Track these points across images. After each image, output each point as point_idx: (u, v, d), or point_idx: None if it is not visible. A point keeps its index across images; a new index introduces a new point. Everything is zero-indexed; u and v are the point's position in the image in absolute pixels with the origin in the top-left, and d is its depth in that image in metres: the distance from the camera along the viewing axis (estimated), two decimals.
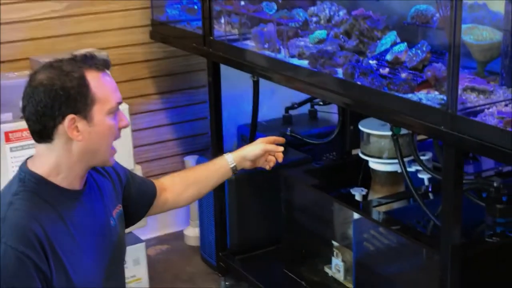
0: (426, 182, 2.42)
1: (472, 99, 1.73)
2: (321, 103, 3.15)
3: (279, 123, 3.19)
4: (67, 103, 1.53)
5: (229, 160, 1.89)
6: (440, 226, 2.10)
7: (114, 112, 1.59)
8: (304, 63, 2.19)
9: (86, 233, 1.62)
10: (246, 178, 2.79)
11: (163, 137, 3.18)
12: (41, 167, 1.58)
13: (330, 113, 3.20)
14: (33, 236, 1.50)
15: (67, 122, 1.54)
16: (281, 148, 1.95)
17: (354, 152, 2.82)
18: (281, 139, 1.98)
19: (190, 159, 3.19)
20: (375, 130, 2.43)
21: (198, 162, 2.99)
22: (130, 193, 1.78)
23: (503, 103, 1.70)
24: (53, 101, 1.52)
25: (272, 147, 1.92)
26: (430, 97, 1.81)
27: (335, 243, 2.53)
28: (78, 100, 1.53)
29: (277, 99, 3.11)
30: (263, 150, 1.91)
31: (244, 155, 1.91)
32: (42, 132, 1.56)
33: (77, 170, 1.60)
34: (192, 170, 1.94)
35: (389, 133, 2.37)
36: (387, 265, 2.29)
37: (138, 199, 1.81)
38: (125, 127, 1.62)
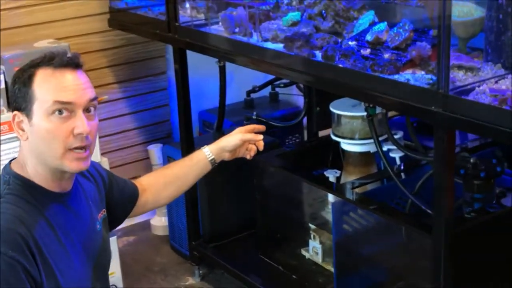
0: (398, 161, 2.40)
1: (460, 77, 1.69)
2: (281, 85, 3.09)
3: (241, 107, 3.13)
4: (13, 98, 1.47)
5: (207, 153, 1.83)
6: (417, 204, 2.11)
7: (53, 112, 1.44)
8: (279, 46, 2.10)
9: (73, 237, 1.53)
10: (217, 165, 2.70)
11: (124, 127, 3.07)
12: (20, 168, 1.50)
13: (293, 95, 3.14)
14: (21, 241, 1.41)
15: (12, 118, 1.48)
16: (261, 136, 1.89)
17: (320, 133, 2.82)
18: (261, 127, 1.92)
19: (153, 148, 3.09)
20: (347, 112, 2.39)
21: (163, 152, 2.90)
22: (112, 196, 1.71)
23: (493, 80, 1.66)
24: (11, 96, 1.48)
25: (251, 136, 1.86)
26: (417, 77, 1.76)
27: (311, 226, 2.49)
28: (19, 96, 1.46)
29: (237, 83, 3.03)
30: (241, 140, 1.85)
31: (222, 147, 1.85)
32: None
33: (45, 172, 1.49)
34: (170, 168, 1.86)
35: (361, 113, 2.33)
36: (368, 246, 2.26)
37: (121, 202, 1.74)
38: (80, 134, 1.46)
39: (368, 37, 1.91)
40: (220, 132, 2.83)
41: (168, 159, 2.84)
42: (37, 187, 1.48)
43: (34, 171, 1.49)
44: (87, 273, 1.55)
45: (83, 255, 1.55)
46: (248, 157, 1.89)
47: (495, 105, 1.56)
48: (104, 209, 1.64)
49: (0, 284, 1.37)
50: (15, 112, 1.47)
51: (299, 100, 3.35)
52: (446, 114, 1.66)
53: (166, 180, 1.81)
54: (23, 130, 1.47)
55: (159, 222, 3.10)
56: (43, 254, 1.44)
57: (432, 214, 2.02)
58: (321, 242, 2.46)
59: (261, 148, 1.90)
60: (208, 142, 2.72)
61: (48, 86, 1.44)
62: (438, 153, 1.74)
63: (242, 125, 2.83)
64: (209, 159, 1.83)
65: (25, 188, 1.47)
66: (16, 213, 1.43)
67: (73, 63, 1.47)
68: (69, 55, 1.48)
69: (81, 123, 1.45)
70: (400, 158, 2.39)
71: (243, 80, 3.17)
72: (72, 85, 1.45)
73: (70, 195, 1.53)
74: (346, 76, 1.88)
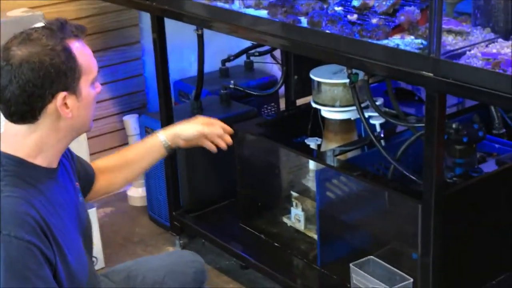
0: (378, 128, 2.38)
1: (450, 41, 1.66)
2: (256, 54, 3.05)
3: (217, 76, 3.09)
4: (58, 80, 1.37)
5: (162, 140, 1.78)
6: (400, 170, 2.10)
7: (95, 80, 1.48)
8: (263, 13, 2.04)
9: (68, 211, 1.49)
10: (173, 151, 2.65)
11: (99, 97, 2.95)
12: (20, 149, 1.43)
13: (269, 63, 3.10)
14: (34, 223, 1.36)
15: (59, 101, 1.39)
16: (219, 131, 1.83)
17: (297, 102, 2.79)
18: (229, 130, 1.85)
19: (129, 118, 3.03)
20: (328, 79, 2.35)
21: (140, 122, 2.84)
22: (79, 172, 1.66)
23: (483, 44, 1.63)
24: (43, 79, 1.36)
25: (209, 131, 1.81)
26: (407, 42, 1.73)
27: (294, 193, 2.47)
28: (68, 76, 1.39)
29: (211, 52, 2.97)
30: (199, 133, 1.80)
31: (177, 134, 1.80)
32: (27, 113, 1.40)
33: (61, 147, 1.48)
34: (125, 152, 1.81)
35: (342, 81, 2.31)
36: (351, 212, 2.25)
37: (84, 179, 1.69)
38: (99, 93, 1.50)
39: (355, 3, 1.86)
40: (198, 101, 2.78)
41: (145, 129, 2.78)
42: (31, 165, 1.42)
43: (38, 150, 1.42)
44: (82, 247, 1.52)
45: (77, 228, 1.51)
46: (212, 150, 1.84)
47: (488, 69, 1.52)
48: (77, 182, 1.60)
49: (22, 271, 1.30)
50: (63, 93, 1.38)
51: (274, 69, 3.32)
52: (438, 79, 1.63)
53: (121, 164, 1.77)
54: (67, 108, 1.41)
55: (136, 193, 3.04)
56: (53, 233, 1.39)
57: (417, 180, 2.03)
58: (303, 209, 2.43)
59: (229, 143, 1.85)
60: (186, 112, 2.78)
61: (86, 58, 1.43)
62: (430, 118, 1.71)
63: (219, 94, 2.88)
64: (164, 145, 1.78)
65: (21, 167, 1.41)
66: (21, 195, 1.36)
67: (85, 31, 1.44)
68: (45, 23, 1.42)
69: (99, 83, 1.50)
70: (380, 125, 2.38)
71: (217, 49, 3.11)
72: (91, 53, 1.46)
73: (57, 170, 1.49)
74: (334, 42, 1.84)
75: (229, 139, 1.85)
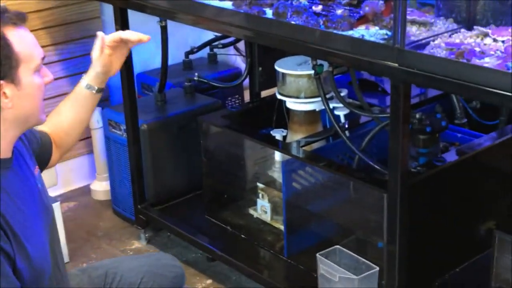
0: (343, 119, 2.40)
1: (414, 31, 1.68)
2: (220, 46, 3.04)
3: (180, 68, 3.08)
4: None
5: (83, 84, 1.70)
6: (365, 160, 2.12)
7: (39, 69, 1.41)
8: (228, 4, 2.03)
9: (27, 201, 1.45)
10: (160, 126, 2.67)
11: (61, 90, 2.93)
12: None
13: (234, 55, 3.09)
14: None
15: None
16: (115, 37, 1.68)
17: (262, 94, 2.79)
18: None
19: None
20: (293, 70, 2.36)
21: (103, 115, 2.81)
22: (38, 150, 1.62)
23: (446, 34, 1.65)
24: None
25: (110, 40, 1.68)
26: (371, 33, 1.73)
27: (260, 185, 2.47)
28: (2, 64, 1.34)
29: (173, 44, 2.95)
30: (107, 56, 1.68)
31: (94, 70, 1.70)
32: None
33: (10, 138, 1.43)
34: (63, 115, 1.73)
35: (307, 72, 2.32)
36: (317, 203, 2.26)
37: (42, 153, 1.64)
38: (50, 82, 1.44)
39: None
40: (162, 93, 2.76)
41: (108, 122, 2.76)
42: None
43: None
44: (45, 236, 1.47)
45: (39, 218, 1.47)
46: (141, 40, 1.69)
47: (452, 59, 1.54)
48: (37, 166, 1.56)
49: None
50: (0, 82, 1.34)
51: (238, 61, 3.31)
52: (403, 69, 1.64)
53: (66, 130, 1.71)
54: (6, 98, 1.36)
55: (100, 187, 3.01)
56: (12, 227, 1.36)
57: (382, 170, 2.05)
58: (269, 201, 2.44)
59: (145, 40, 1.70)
60: (150, 104, 2.76)
61: (26, 46, 1.37)
62: (395, 108, 1.73)
63: (183, 86, 2.87)
64: (94, 91, 1.70)
65: None
66: None
67: (24, 18, 1.39)
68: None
69: (49, 72, 1.44)
70: (345, 116, 2.40)
71: (180, 41, 3.10)
72: (35, 40, 1.41)
73: (11, 159, 1.44)
74: (299, 33, 1.84)
75: (145, 38, 1.70)
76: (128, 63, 2.51)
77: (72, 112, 1.71)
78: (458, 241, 2.08)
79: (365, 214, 2.09)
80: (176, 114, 2.71)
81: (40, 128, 1.67)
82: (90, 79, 1.70)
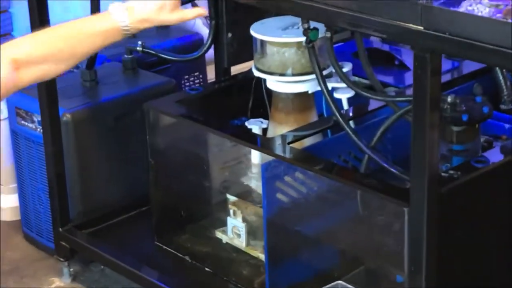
0: (346, 105, 2.42)
1: None
2: None
3: None
4: None
5: (120, 19, 1.83)
6: (377, 162, 2.13)
7: None
8: None
9: None
10: (89, 117, 2.68)
11: None
12: None
13: None
14: None
15: None
16: None
17: (233, 69, 2.81)
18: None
19: None
20: (275, 36, 2.37)
21: (9, 102, 2.81)
22: None
23: None
24: None
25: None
26: None
27: (230, 198, 2.48)
28: None
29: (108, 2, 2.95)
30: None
31: (145, 19, 1.86)
32: None
33: None
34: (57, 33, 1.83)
35: (296, 39, 2.33)
36: (311, 221, 2.26)
37: None
38: None
39: None
40: (92, 70, 2.77)
41: (16, 111, 2.76)
42: None
43: None
44: None
45: None
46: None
47: (499, 19, 1.56)
48: None
49: None
50: None
51: (198, 25, 3.32)
52: (430, 33, 1.66)
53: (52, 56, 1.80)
54: None
55: (5, 203, 3.04)
56: None
57: (401, 175, 2.06)
58: (244, 220, 2.45)
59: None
60: (75, 85, 2.76)
61: None
62: (419, 88, 1.74)
63: (121, 60, 2.87)
64: (124, 30, 1.83)
65: None
66: None
67: None
68: None
69: None
70: (349, 100, 2.41)
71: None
72: None
73: None
74: None
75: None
76: (44, 25, 2.51)
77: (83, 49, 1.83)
78: (505, 266, 2.10)
79: (378, 237, 2.10)
80: (111, 100, 2.72)
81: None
82: (134, 21, 1.83)
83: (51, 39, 1.82)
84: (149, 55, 2.82)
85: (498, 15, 1.58)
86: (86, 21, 1.86)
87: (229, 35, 2.66)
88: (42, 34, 1.82)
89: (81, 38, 1.83)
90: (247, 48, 2.51)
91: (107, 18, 1.83)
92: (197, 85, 3.04)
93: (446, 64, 2.53)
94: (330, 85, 2.31)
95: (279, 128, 2.43)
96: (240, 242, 2.47)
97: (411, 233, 1.88)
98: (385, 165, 2.12)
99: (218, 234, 2.52)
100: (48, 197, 2.68)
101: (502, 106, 2.38)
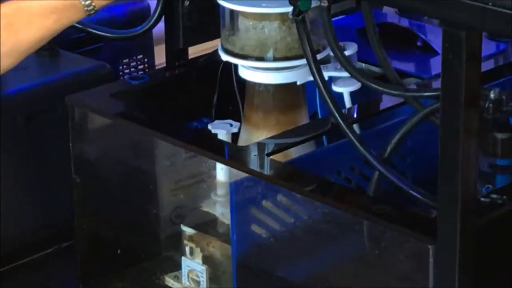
0: (348, 102, 2.43)
1: None
2: None
3: None
4: None
5: None
6: (393, 181, 2.14)
7: None
8: None
9: None
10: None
11: None
12: None
13: None
14: None
15: None
16: None
17: (192, 51, 2.81)
18: None
19: None
20: (251, 6, 2.39)
21: None
22: None
23: None
24: None
25: None
26: None
27: (186, 230, 2.50)
28: None
29: None
30: None
31: None
32: None
33: None
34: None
35: (280, 10, 2.36)
36: (299, 262, 2.27)
37: None
38: None
39: None
40: None
41: None
42: None
43: None
44: None
45: None
46: None
47: None
48: None
49: None
50: None
51: None
52: (467, 2, 1.67)
53: None
54: None
55: None
56: None
57: (425, 199, 2.07)
58: (205, 261, 2.47)
59: None
60: None
61: None
62: (450, 79, 1.75)
63: None
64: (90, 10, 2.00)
65: None
66: None
67: None
68: None
69: None
70: (352, 95, 2.42)
71: None
72: None
73: None
74: None
75: None
76: None
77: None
78: None
79: (391, 283, 2.11)
80: (20, 92, 2.74)
81: None
82: None
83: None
84: (73, 30, 2.81)
85: None
86: None
87: (186, 2, 2.68)
88: None
89: (25, 20, 1.92)
90: (211, 21, 2.54)
91: None
92: (141, 72, 3.06)
93: (488, 47, 2.55)
94: (326, 74, 2.34)
95: (255, 134, 2.47)
96: None
97: (437, 279, 1.89)
98: (403, 185, 2.13)
99: (169, 281, 2.53)
100: None
101: None
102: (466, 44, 1.73)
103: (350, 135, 2.18)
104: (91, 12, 1.99)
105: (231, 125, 2.49)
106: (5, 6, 1.95)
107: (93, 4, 1.97)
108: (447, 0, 1.70)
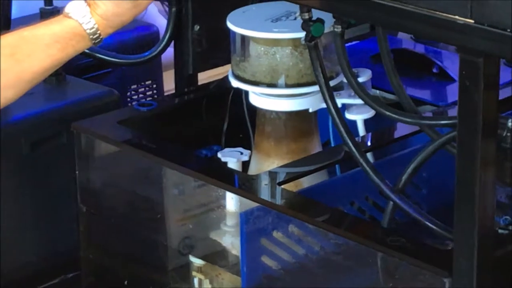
0: (362, 130, 2.42)
1: None
2: None
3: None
4: None
5: (84, 21, 1.97)
6: (408, 212, 2.13)
7: None
8: None
9: None
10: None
11: None
12: None
13: None
14: None
15: None
16: None
17: (202, 77, 2.82)
18: None
19: None
20: (262, 31, 2.40)
21: None
22: None
23: None
24: None
25: None
26: None
27: (195, 261, 2.49)
28: None
29: None
30: None
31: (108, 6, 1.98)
32: None
33: None
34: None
35: (292, 35, 2.36)
36: None
37: None
38: None
39: None
40: None
41: None
42: None
43: None
44: None
45: None
46: None
47: None
48: None
49: None
50: None
51: (153, 13, 3.33)
52: (483, 29, 1.67)
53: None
54: None
55: None
56: None
57: (441, 230, 2.06)
58: None
59: None
60: None
61: None
62: (467, 107, 1.75)
63: None
64: (88, 30, 1.97)
65: None
66: None
67: None
68: None
69: None
70: (366, 123, 2.42)
71: None
72: None
73: None
74: None
75: None
76: None
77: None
78: None
79: None
80: (26, 118, 2.74)
81: None
82: (99, 18, 1.96)
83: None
84: (80, 56, 2.81)
85: None
86: (34, 28, 1.94)
87: (196, 28, 2.69)
88: None
89: (28, 50, 1.92)
90: (221, 47, 2.54)
91: (64, 20, 1.93)
92: (149, 98, 3.05)
93: (505, 74, 2.55)
94: (340, 101, 2.35)
95: (266, 162, 2.46)
96: None
97: None
98: (418, 216, 2.12)
99: None
100: None
101: None
102: (484, 71, 1.72)
103: (364, 164, 2.18)
104: (97, 41, 2.00)
105: (242, 153, 2.47)
106: (8, 35, 1.96)
107: (99, 32, 1.98)
108: (464, 26, 1.70)
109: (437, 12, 1.72)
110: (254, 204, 2.25)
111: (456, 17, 1.69)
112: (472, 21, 1.68)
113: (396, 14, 1.78)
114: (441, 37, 1.89)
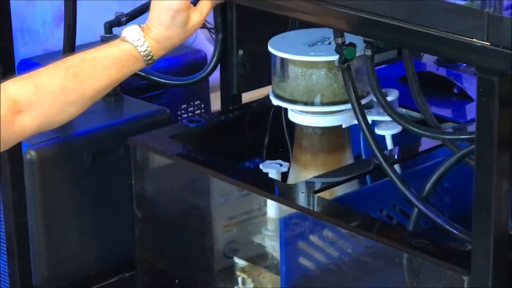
0: (390, 144, 2.43)
1: None
2: None
3: None
4: None
5: (139, 44, 2.00)
6: (431, 218, 2.13)
7: None
8: None
9: None
10: (59, 154, 2.71)
11: None
12: None
13: None
14: None
15: None
16: None
17: (245, 97, 2.83)
18: None
19: None
20: (299, 55, 2.40)
21: None
22: None
23: None
24: None
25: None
26: None
27: (239, 262, 2.49)
28: None
29: (85, 9, 3.00)
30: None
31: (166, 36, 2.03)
32: None
33: None
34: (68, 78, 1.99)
35: (327, 58, 2.36)
36: None
37: None
38: None
39: None
40: None
41: None
42: None
43: None
44: None
45: None
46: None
47: None
48: None
49: None
50: None
51: (200, 39, 3.34)
52: (499, 50, 1.67)
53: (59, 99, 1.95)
54: None
55: None
56: None
57: (461, 234, 2.07)
58: None
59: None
60: None
61: None
62: (485, 123, 1.75)
63: None
64: (142, 53, 2.01)
65: None
66: None
67: None
68: None
69: None
70: (394, 137, 2.42)
71: (98, 5, 3.13)
72: None
73: None
74: None
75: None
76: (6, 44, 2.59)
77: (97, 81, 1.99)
78: None
79: None
80: (88, 134, 2.75)
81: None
82: (152, 41, 2.01)
83: (55, 76, 1.95)
84: (136, 78, 2.83)
85: None
86: (94, 50, 1.98)
87: (240, 52, 2.70)
88: (44, 72, 1.94)
89: (90, 71, 1.96)
90: (263, 69, 2.55)
91: (121, 43, 1.98)
92: (198, 116, 3.06)
93: None
94: (370, 118, 2.33)
95: (303, 173, 2.46)
96: None
97: None
98: (440, 221, 2.12)
99: None
100: (6, 259, 2.71)
101: None
102: (499, 89, 1.72)
103: (392, 175, 2.19)
104: (150, 62, 2.02)
105: (281, 165, 2.49)
106: (72, 57, 1.99)
107: (152, 54, 2.00)
108: (481, 48, 1.70)
109: (457, 35, 1.72)
110: (293, 211, 2.25)
111: (474, 40, 1.70)
112: (488, 43, 1.68)
113: (419, 37, 1.79)
114: (460, 58, 1.90)
